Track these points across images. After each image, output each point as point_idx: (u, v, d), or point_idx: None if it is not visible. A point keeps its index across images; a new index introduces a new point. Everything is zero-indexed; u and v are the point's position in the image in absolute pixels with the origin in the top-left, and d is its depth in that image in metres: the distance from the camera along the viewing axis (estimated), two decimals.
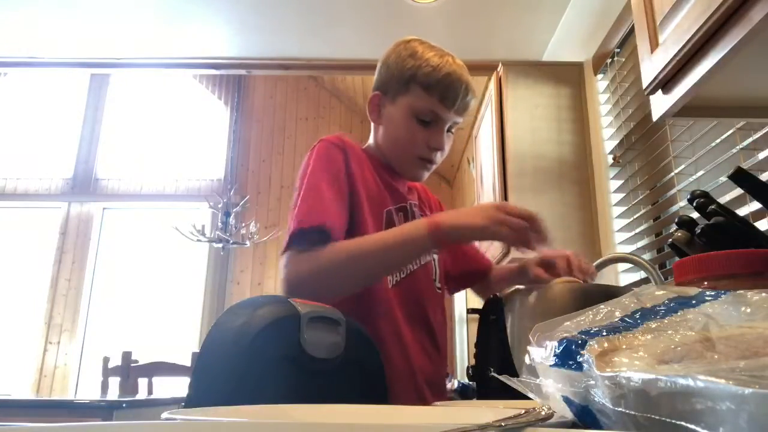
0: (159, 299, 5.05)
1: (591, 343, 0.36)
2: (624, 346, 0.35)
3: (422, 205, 1.23)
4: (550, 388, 0.38)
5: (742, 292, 0.36)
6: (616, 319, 0.39)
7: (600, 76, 2.16)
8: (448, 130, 1.13)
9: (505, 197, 2.13)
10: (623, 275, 1.87)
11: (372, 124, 1.18)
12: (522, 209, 0.97)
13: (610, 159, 2.05)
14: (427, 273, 1.14)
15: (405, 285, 1.07)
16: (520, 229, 0.95)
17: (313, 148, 1.06)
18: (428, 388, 1.07)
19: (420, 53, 1.12)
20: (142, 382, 3.05)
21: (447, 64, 1.11)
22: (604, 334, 0.37)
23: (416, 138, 1.10)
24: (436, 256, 1.18)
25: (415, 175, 1.15)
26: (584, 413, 0.35)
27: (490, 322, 1.17)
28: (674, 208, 1.62)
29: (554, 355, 0.38)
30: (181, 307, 5.03)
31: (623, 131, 1.93)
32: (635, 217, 1.84)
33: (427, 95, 1.08)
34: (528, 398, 0.42)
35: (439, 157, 1.13)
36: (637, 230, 1.83)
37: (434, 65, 1.10)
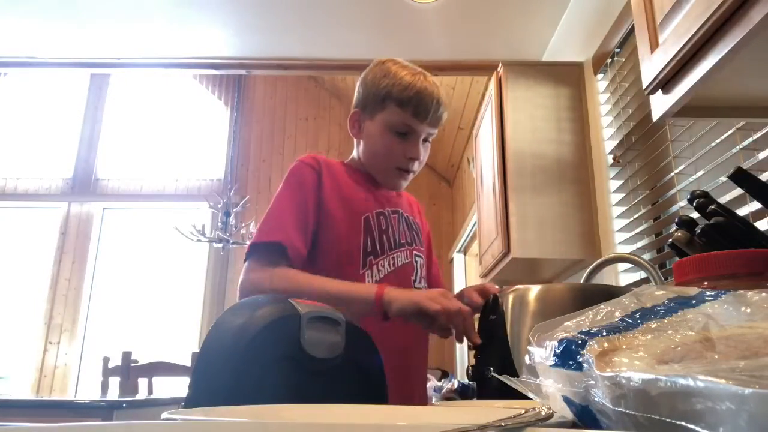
0: (159, 299, 5.05)
1: (591, 343, 0.36)
2: (624, 346, 0.35)
3: (412, 211, 1.32)
4: (550, 388, 0.38)
5: (742, 292, 0.36)
6: (616, 319, 0.39)
7: (600, 76, 2.16)
8: (425, 141, 1.22)
9: (505, 197, 2.13)
10: (623, 275, 1.87)
11: (354, 140, 1.30)
12: (462, 305, 1.05)
13: (610, 159, 2.05)
14: (405, 275, 1.20)
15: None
16: (451, 312, 1.02)
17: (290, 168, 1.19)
18: (408, 387, 1.16)
19: (394, 72, 1.22)
20: (142, 382, 3.05)
21: (419, 82, 1.19)
22: (604, 334, 0.37)
23: (394, 150, 1.20)
24: (419, 260, 1.25)
25: (394, 184, 1.25)
26: (584, 413, 0.35)
27: (490, 322, 1.17)
28: (674, 208, 1.62)
29: (554, 355, 0.38)
30: (181, 307, 5.03)
31: (623, 131, 1.93)
32: (635, 217, 1.84)
33: (401, 110, 1.18)
34: (528, 398, 0.42)
35: (416, 167, 1.23)
36: (637, 230, 1.83)
37: (407, 83, 1.19)
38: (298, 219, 1.11)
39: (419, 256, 1.25)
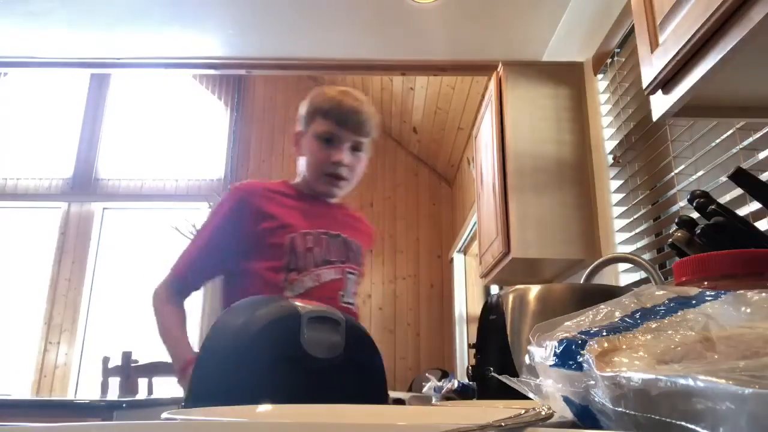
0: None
1: (591, 343, 0.36)
2: (624, 346, 0.35)
3: (355, 234, 1.44)
4: (550, 388, 0.38)
5: (742, 292, 0.36)
6: (616, 319, 0.39)
7: (600, 76, 2.16)
8: (355, 150, 1.37)
9: (505, 197, 2.13)
10: (623, 275, 1.87)
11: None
12: None
13: (610, 159, 2.05)
14: (332, 290, 1.32)
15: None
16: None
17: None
18: None
19: (323, 92, 1.41)
20: (142, 382, 3.05)
21: (342, 95, 1.37)
22: (604, 334, 0.37)
23: (321, 156, 1.35)
24: (352, 276, 1.37)
25: (327, 192, 1.40)
26: (584, 413, 0.35)
27: (490, 322, 1.17)
28: (674, 208, 1.62)
29: (554, 355, 0.38)
30: None
31: (623, 131, 1.93)
32: (635, 217, 1.84)
33: (325, 120, 1.35)
34: (528, 398, 0.42)
35: (346, 173, 1.37)
36: (637, 230, 1.83)
37: (330, 97, 1.38)
38: (207, 254, 1.34)
39: (352, 273, 1.37)
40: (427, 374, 3.38)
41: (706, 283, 0.53)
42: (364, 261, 1.46)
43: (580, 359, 0.35)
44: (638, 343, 0.35)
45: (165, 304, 1.33)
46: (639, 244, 1.83)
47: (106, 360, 3.10)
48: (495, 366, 1.12)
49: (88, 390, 4.71)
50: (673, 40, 0.86)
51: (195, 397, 0.76)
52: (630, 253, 1.60)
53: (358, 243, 1.43)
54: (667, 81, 0.91)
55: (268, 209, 1.33)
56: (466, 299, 4.55)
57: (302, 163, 1.41)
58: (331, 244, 1.35)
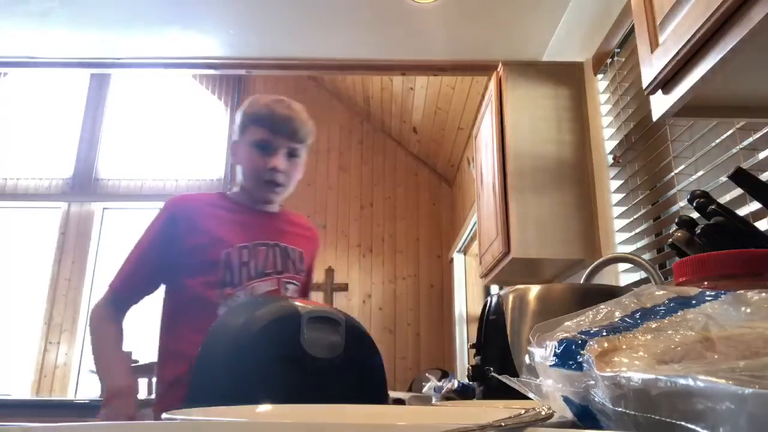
0: (159, 299, 5.05)
1: (591, 343, 0.36)
2: (624, 346, 0.35)
3: (296, 240, 1.45)
4: (550, 388, 0.38)
5: (742, 292, 0.36)
6: (616, 319, 0.39)
7: (600, 76, 2.16)
8: (291, 156, 1.40)
9: (505, 197, 2.13)
10: (623, 275, 1.87)
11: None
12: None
13: (610, 159, 2.05)
14: None
15: None
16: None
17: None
18: None
19: (255, 101, 1.43)
20: (142, 382, 3.05)
21: (274, 103, 1.40)
22: (604, 334, 0.37)
23: (257, 163, 1.37)
24: (291, 286, 1.38)
25: (265, 198, 1.41)
26: (584, 413, 0.35)
27: (490, 322, 1.17)
28: (674, 208, 1.62)
29: (554, 355, 0.38)
30: None
31: (623, 131, 1.93)
32: (635, 217, 1.84)
33: (259, 128, 1.37)
34: (528, 398, 0.42)
35: (283, 179, 1.38)
36: (637, 230, 1.83)
37: (263, 105, 1.40)
38: (139, 269, 1.36)
39: (292, 283, 1.39)
40: (427, 374, 3.38)
41: (706, 283, 0.53)
42: (308, 267, 1.48)
43: (580, 359, 0.35)
44: (638, 343, 0.35)
45: (101, 322, 1.35)
46: (639, 244, 1.83)
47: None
48: (495, 366, 1.12)
49: (88, 390, 4.71)
50: (673, 40, 0.86)
51: (195, 397, 0.76)
52: (630, 253, 1.60)
53: (300, 249, 1.44)
54: (667, 81, 0.91)
55: (202, 224, 1.35)
56: (466, 299, 4.55)
57: (239, 171, 1.44)
58: (269, 255, 1.37)
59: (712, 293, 0.38)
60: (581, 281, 1.41)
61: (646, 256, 1.77)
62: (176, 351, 1.32)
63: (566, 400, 0.37)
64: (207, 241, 1.32)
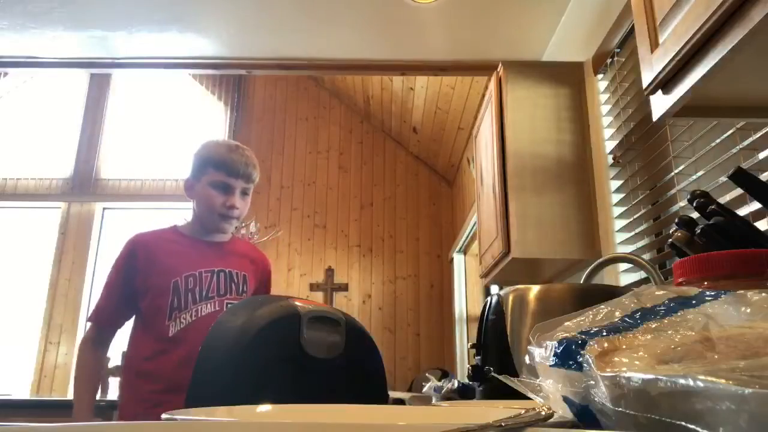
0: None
1: (591, 343, 0.36)
2: (624, 346, 0.35)
3: (242, 266, 1.66)
4: (550, 388, 0.38)
5: (742, 292, 0.36)
6: (616, 319, 0.39)
7: (600, 76, 2.16)
8: (243, 194, 1.65)
9: (505, 197, 2.13)
10: (623, 275, 1.87)
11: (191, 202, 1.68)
12: None
13: (610, 159, 2.05)
14: (210, 321, 1.49)
15: (185, 334, 1.51)
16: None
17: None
18: None
19: (211, 146, 1.67)
20: None
21: (230, 151, 1.63)
22: (604, 334, 0.37)
23: (215, 202, 1.60)
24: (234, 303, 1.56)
25: (220, 228, 1.65)
26: (584, 413, 0.35)
27: (490, 322, 1.17)
28: (674, 208, 1.62)
29: (554, 355, 0.38)
30: None
31: (623, 131, 1.93)
32: (635, 217, 1.84)
33: (218, 171, 1.61)
34: (528, 398, 0.42)
35: (236, 213, 1.62)
36: (637, 230, 1.83)
37: (221, 152, 1.63)
38: (113, 298, 1.59)
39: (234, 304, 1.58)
40: (427, 374, 3.38)
41: (706, 283, 0.53)
42: (255, 287, 1.68)
43: (580, 359, 0.35)
44: (638, 343, 0.35)
45: (86, 354, 1.59)
46: (639, 244, 1.83)
47: (106, 360, 3.10)
48: (495, 366, 1.12)
49: None
50: (673, 40, 0.86)
51: (195, 397, 0.76)
52: (630, 253, 1.60)
53: (244, 273, 1.65)
54: (667, 81, 0.91)
55: (156, 257, 1.58)
56: (466, 299, 4.55)
57: (196, 205, 1.65)
58: (212, 280, 1.58)
59: (712, 293, 0.38)
60: (581, 281, 1.41)
61: (646, 256, 1.77)
62: (131, 366, 1.56)
63: (566, 400, 0.37)
64: (159, 271, 1.55)
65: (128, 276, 1.58)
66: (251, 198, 1.72)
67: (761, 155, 1.23)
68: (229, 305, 1.55)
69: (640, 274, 1.80)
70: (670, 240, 0.87)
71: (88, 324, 1.65)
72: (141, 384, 1.53)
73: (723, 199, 1.25)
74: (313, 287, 4.91)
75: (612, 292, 1.08)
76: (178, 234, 1.68)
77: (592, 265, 1.39)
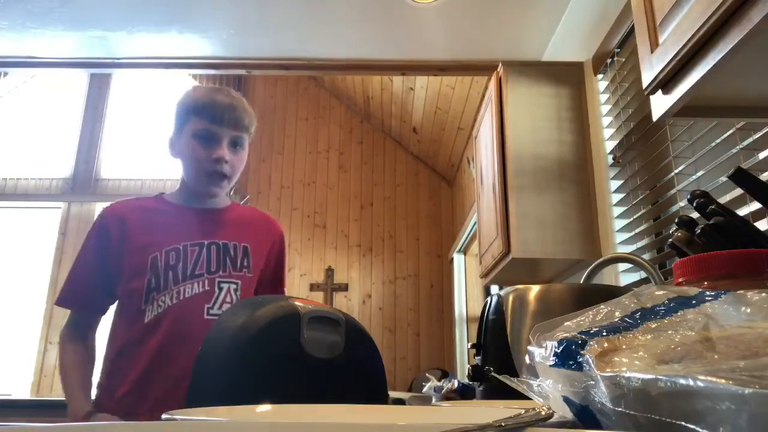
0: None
1: (591, 343, 0.36)
2: (624, 346, 0.35)
3: (241, 235, 1.38)
4: (550, 388, 0.38)
5: (742, 292, 0.36)
6: (616, 319, 0.39)
7: (600, 76, 2.16)
8: (235, 146, 1.36)
9: (505, 197, 2.13)
10: (623, 275, 1.87)
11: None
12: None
13: (610, 159, 2.05)
14: (195, 305, 1.28)
15: (161, 320, 1.26)
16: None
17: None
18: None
19: (192, 91, 1.40)
20: None
21: (212, 93, 1.37)
22: (604, 334, 0.37)
23: (200, 155, 1.32)
24: (227, 286, 1.32)
25: (210, 190, 1.37)
26: (584, 413, 0.35)
27: (490, 322, 1.17)
28: (674, 208, 1.62)
29: (554, 355, 0.38)
30: None
31: (623, 131, 1.93)
32: (635, 217, 1.84)
33: (200, 119, 1.33)
34: (528, 398, 0.42)
35: (228, 169, 1.34)
36: (637, 230, 1.83)
37: (201, 95, 1.36)
38: (88, 273, 1.34)
39: (228, 282, 1.32)
40: (427, 374, 3.38)
41: (706, 283, 0.53)
42: (261, 261, 1.40)
43: (580, 359, 0.35)
44: (638, 343, 0.35)
45: (63, 346, 1.35)
46: (639, 244, 1.83)
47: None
48: (495, 366, 1.12)
49: None
50: (673, 40, 0.86)
51: (195, 397, 0.76)
52: (630, 253, 1.60)
53: (245, 244, 1.37)
54: (667, 81, 0.91)
55: (131, 229, 1.32)
56: (466, 299, 4.55)
57: (181, 165, 1.39)
58: (200, 255, 1.31)
59: (712, 293, 0.38)
60: (581, 281, 1.41)
61: (646, 256, 1.77)
62: (108, 358, 1.33)
63: (566, 400, 0.37)
64: (134, 247, 1.30)
65: (100, 256, 1.32)
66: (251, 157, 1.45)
67: (761, 155, 1.23)
68: (221, 285, 1.31)
69: (640, 274, 1.80)
70: (670, 240, 0.87)
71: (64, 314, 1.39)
72: (104, 390, 1.30)
73: (723, 199, 1.25)
74: (313, 287, 4.91)
75: (612, 292, 1.08)
76: (161, 202, 1.40)
77: (592, 265, 1.39)
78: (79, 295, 1.36)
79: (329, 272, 4.95)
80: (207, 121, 1.32)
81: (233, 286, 1.33)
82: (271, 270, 1.45)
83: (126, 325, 1.29)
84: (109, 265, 1.31)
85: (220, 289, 1.31)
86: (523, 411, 0.34)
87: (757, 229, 0.83)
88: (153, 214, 1.36)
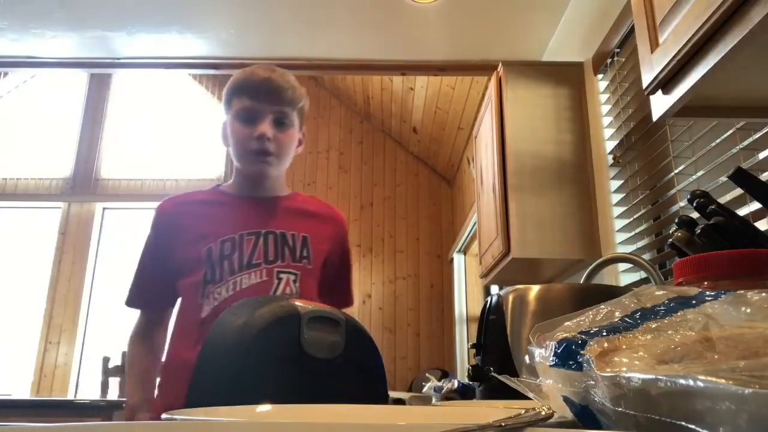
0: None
1: (591, 343, 0.36)
2: (624, 346, 0.35)
3: (299, 225, 1.32)
4: (550, 388, 0.38)
5: (742, 292, 0.36)
6: (616, 319, 0.39)
7: (600, 76, 2.16)
8: (279, 123, 1.28)
9: (505, 197, 2.13)
10: (623, 275, 1.87)
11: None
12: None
13: (610, 159, 2.05)
14: (256, 294, 1.22)
15: (219, 313, 1.16)
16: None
17: None
18: None
19: (236, 74, 1.32)
20: None
21: (252, 69, 1.30)
22: (604, 334, 0.37)
23: (243, 135, 1.27)
24: (285, 276, 1.26)
25: (256, 170, 1.30)
26: (584, 413, 0.35)
27: (490, 322, 1.17)
28: (674, 208, 1.62)
29: (554, 355, 0.38)
30: None
31: (623, 131, 1.93)
32: (635, 217, 1.84)
33: (240, 97, 1.27)
34: (528, 398, 0.42)
35: (271, 146, 1.27)
36: (637, 230, 1.83)
37: (241, 74, 1.30)
38: (149, 275, 1.34)
39: (287, 273, 1.26)
40: (427, 374, 3.38)
41: (706, 283, 0.53)
42: (321, 251, 1.32)
43: (580, 359, 0.35)
44: (638, 343, 0.35)
45: (131, 342, 1.34)
46: (639, 244, 1.83)
47: (106, 360, 3.11)
48: (495, 366, 1.12)
49: (88, 390, 4.71)
50: (673, 40, 0.86)
51: (195, 397, 0.76)
52: (630, 253, 1.60)
53: (305, 234, 1.30)
54: (667, 81, 0.91)
55: (185, 223, 1.29)
56: (466, 299, 4.55)
57: (231, 151, 1.33)
58: (257, 244, 1.25)
59: (712, 293, 0.38)
60: (581, 281, 1.41)
61: (646, 256, 1.77)
62: (168, 357, 1.29)
63: (566, 400, 0.37)
64: (189, 240, 1.25)
65: (157, 254, 1.31)
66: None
67: (761, 155, 1.23)
68: (280, 275, 1.24)
69: (640, 274, 1.80)
70: (670, 240, 0.87)
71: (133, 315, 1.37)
72: (161, 390, 1.27)
73: (723, 199, 1.25)
74: None
75: (612, 292, 1.08)
76: (216, 193, 1.36)
77: (592, 265, 1.39)
78: (144, 294, 1.35)
79: None
80: (246, 99, 1.26)
81: (292, 277, 1.27)
82: (334, 270, 1.38)
83: (183, 322, 1.26)
84: (166, 261, 1.28)
85: (279, 279, 1.25)
86: (523, 411, 0.34)
87: (757, 229, 0.83)
88: (206, 206, 1.33)
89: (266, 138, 1.25)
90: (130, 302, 1.36)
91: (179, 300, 1.30)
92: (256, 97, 1.25)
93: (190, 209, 1.32)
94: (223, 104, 1.33)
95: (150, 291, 1.34)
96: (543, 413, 0.33)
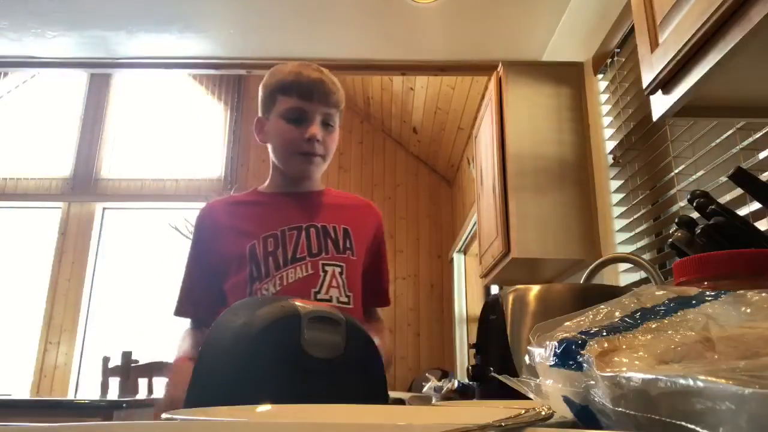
0: (159, 299, 5.05)
1: (591, 343, 0.36)
2: (624, 346, 0.35)
3: (339, 218, 1.31)
4: (550, 388, 0.38)
5: (742, 292, 0.36)
6: (616, 319, 0.39)
7: (600, 76, 2.16)
8: (326, 124, 1.27)
9: (505, 197, 2.13)
10: (623, 275, 1.87)
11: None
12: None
13: (610, 159, 2.05)
14: (301, 290, 1.21)
15: None
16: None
17: None
18: None
19: (278, 69, 1.30)
20: (142, 382, 3.05)
21: (298, 68, 1.27)
22: (604, 334, 0.37)
23: (291, 136, 1.24)
24: (331, 269, 1.25)
25: (303, 171, 1.29)
26: (584, 413, 0.35)
27: (490, 322, 1.17)
28: (674, 208, 1.62)
29: (554, 355, 0.38)
30: None
31: (623, 131, 1.93)
32: (635, 217, 1.84)
33: (288, 97, 1.24)
34: (528, 398, 0.42)
35: (320, 148, 1.26)
36: (637, 230, 1.83)
37: (287, 72, 1.27)
38: (197, 280, 1.30)
39: (332, 265, 1.25)
40: (427, 374, 3.38)
41: (706, 283, 0.53)
42: (363, 243, 1.33)
43: (580, 359, 0.35)
44: (638, 343, 0.35)
45: (181, 339, 1.31)
46: (639, 244, 1.83)
47: (106, 360, 3.11)
48: (495, 366, 1.12)
49: (88, 390, 4.71)
50: (673, 40, 0.86)
51: (195, 397, 0.76)
52: (630, 253, 1.60)
53: (345, 226, 1.30)
54: (667, 81, 0.91)
55: (228, 223, 1.28)
56: (466, 299, 4.55)
57: (271, 149, 1.32)
58: (300, 238, 1.24)
59: (712, 293, 0.38)
60: (581, 281, 1.41)
61: (646, 256, 1.77)
62: None
63: (566, 400, 0.37)
64: (231, 241, 1.25)
65: (202, 259, 1.30)
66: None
67: (761, 155, 1.23)
68: (326, 267, 1.24)
69: (640, 274, 1.80)
70: (670, 240, 0.87)
71: (180, 321, 1.35)
72: None
73: (723, 199, 1.25)
74: None
75: (612, 292, 1.07)
76: (254, 194, 1.36)
77: (592, 265, 1.39)
78: (192, 301, 1.32)
79: None
80: (296, 98, 1.24)
81: (338, 270, 1.26)
82: (373, 265, 1.38)
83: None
84: (210, 264, 1.27)
85: (325, 272, 1.24)
86: (523, 411, 0.34)
87: (757, 229, 0.83)
88: (246, 206, 1.32)
89: (316, 140, 1.24)
90: (179, 311, 1.33)
91: (225, 303, 1.27)
92: (307, 97, 1.23)
93: (229, 210, 1.32)
94: (263, 102, 1.31)
95: (198, 296, 1.31)
96: (543, 413, 0.33)
